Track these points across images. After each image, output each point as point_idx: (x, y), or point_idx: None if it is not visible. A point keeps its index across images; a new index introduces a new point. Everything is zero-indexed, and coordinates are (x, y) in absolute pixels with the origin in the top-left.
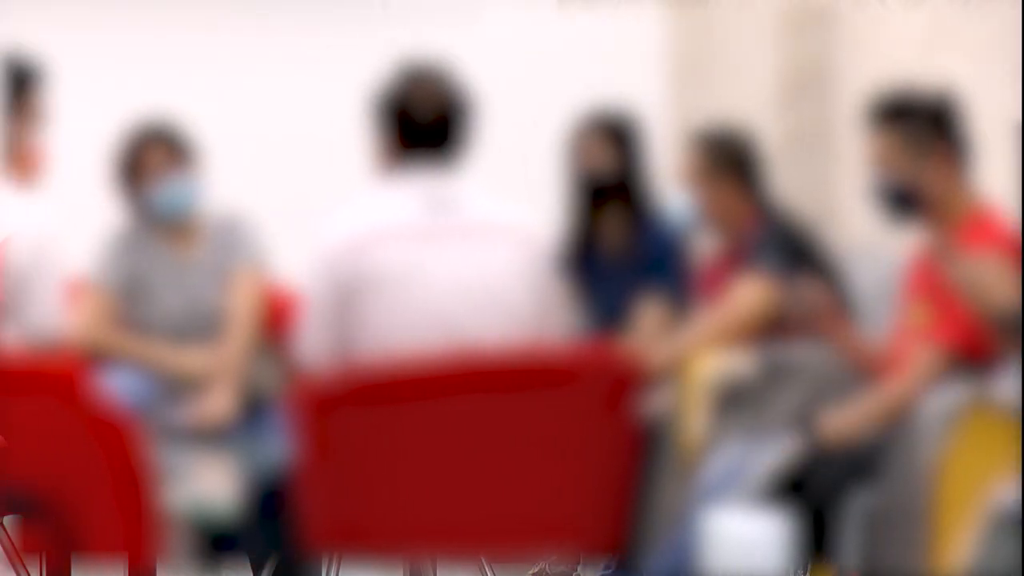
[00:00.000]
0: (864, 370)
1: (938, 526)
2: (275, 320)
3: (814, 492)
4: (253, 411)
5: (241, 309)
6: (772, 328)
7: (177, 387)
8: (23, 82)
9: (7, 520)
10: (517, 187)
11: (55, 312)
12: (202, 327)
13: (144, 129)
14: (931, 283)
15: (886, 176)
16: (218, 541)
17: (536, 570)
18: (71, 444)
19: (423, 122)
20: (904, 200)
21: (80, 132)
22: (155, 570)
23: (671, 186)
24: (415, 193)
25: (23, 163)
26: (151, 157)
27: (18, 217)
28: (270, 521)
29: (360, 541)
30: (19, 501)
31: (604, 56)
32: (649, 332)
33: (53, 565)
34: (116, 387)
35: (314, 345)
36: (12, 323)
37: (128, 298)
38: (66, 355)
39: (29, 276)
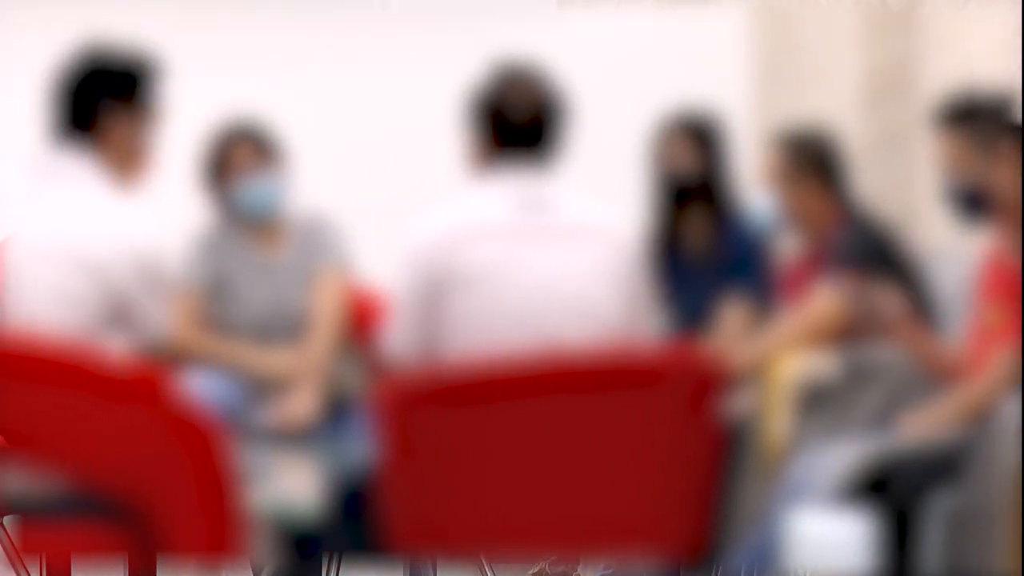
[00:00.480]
0: (943, 372)
1: (1020, 528)
2: (360, 320)
3: (896, 494)
4: (336, 412)
5: (325, 309)
6: (854, 330)
7: (261, 388)
8: (138, 80)
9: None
10: (601, 188)
11: (164, 320)
12: (286, 327)
13: (232, 128)
14: (1004, 284)
15: (955, 178)
16: (301, 542)
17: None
18: (156, 447)
19: (517, 122)
20: (974, 202)
21: (171, 131)
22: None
23: (754, 187)
24: (507, 193)
25: (130, 162)
26: (238, 156)
27: (124, 224)
28: (353, 522)
29: (442, 542)
30: (103, 504)
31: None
32: (732, 333)
33: (137, 568)
34: (201, 389)
35: (402, 342)
36: (122, 332)
37: (213, 298)
38: (151, 358)
39: (137, 284)
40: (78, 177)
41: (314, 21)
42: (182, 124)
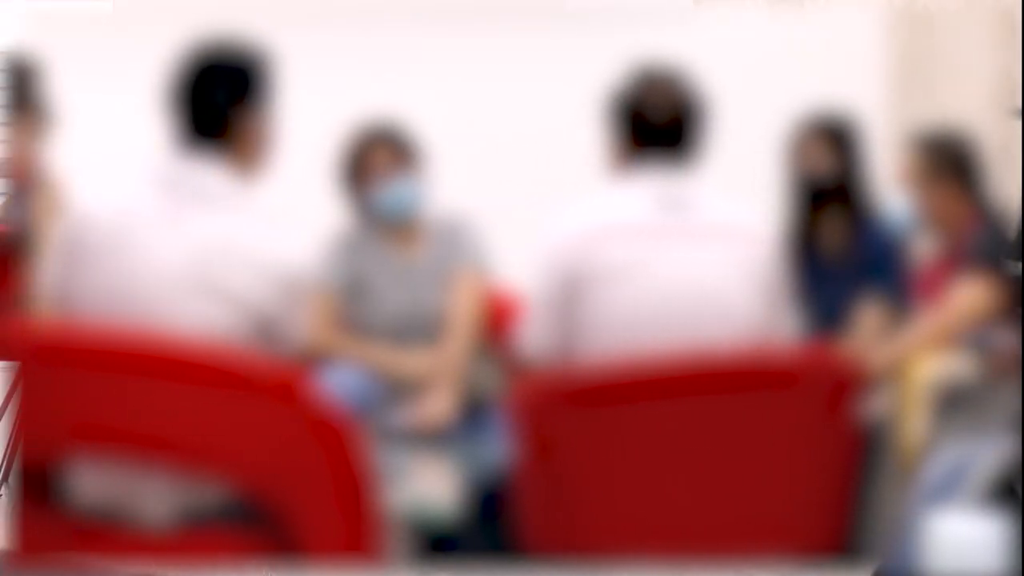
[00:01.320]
0: None
1: None
2: (496, 321)
3: None
4: (473, 413)
5: (462, 311)
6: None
7: (398, 389)
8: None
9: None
10: (737, 188)
11: (304, 331)
12: (423, 329)
13: (369, 130)
14: None
15: None
16: (438, 543)
17: None
18: (294, 447)
19: (657, 123)
20: None
21: (308, 131)
22: None
23: (891, 188)
24: (647, 192)
25: (256, 161)
26: (376, 159)
27: (264, 246)
28: (490, 523)
29: (578, 544)
30: (240, 506)
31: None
32: (869, 334)
33: (274, 568)
34: (339, 388)
35: (538, 342)
36: (275, 344)
37: (350, 299)
38: (287, 358)
39: (279, 306)
40: (210, 193)
41: (453, 21)
42: (318, 124)
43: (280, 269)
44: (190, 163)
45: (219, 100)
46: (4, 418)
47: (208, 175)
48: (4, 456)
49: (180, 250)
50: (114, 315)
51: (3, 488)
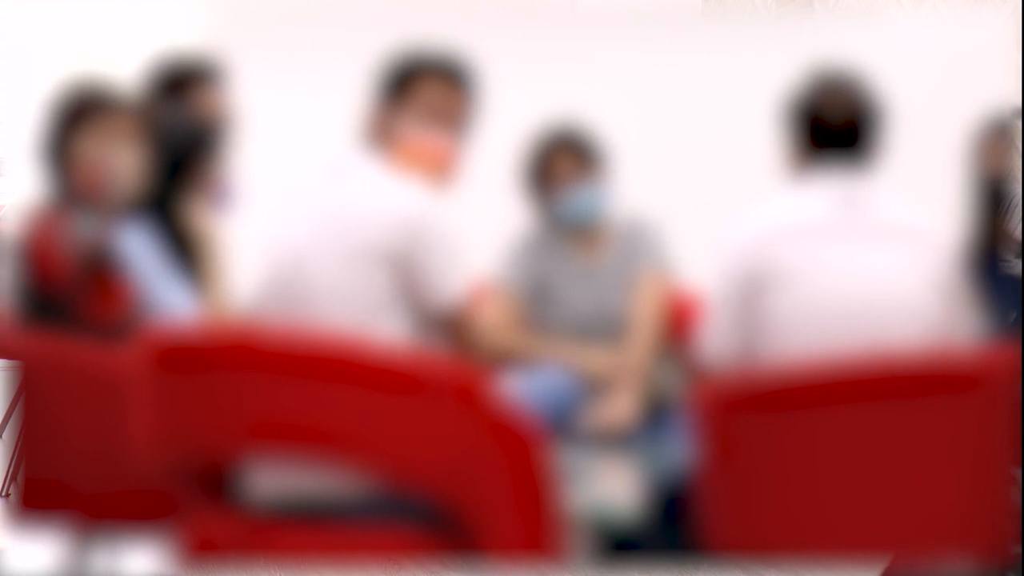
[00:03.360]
0: None
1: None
2: (678, 323)
3: None
4: (655, 415)
5: (645, 314)
6: None
7: (583, 389)
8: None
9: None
10: (918, 190)
11: (455, 288)
12: (606, 331)
13: (554, 136)
14: None
15: None
16: (620, 545)
17: None
18: (473, 449)
19: (834, 125)
20: None
21: (494, 136)
22: None
23: None
24: (824, 193)
25: (430, 161)
26: (560, 165)
27: (397, 197)
28: (671, 525)
29: (760, 546)
30: (421, 507)
31: (1007, 59)
32: None
33: (456, 568)
34: (542, 389)
35: (719, 344)
36: (410, 309)
37: (534, 301)
38: (467, 359)
39: (418, 254)
40: (362, 171)
41: (632, 27)
42: (506, 128)
43: (410, 214)
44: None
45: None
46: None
47: (366, 162)
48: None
49: (322, 215)
50: (272, 287)
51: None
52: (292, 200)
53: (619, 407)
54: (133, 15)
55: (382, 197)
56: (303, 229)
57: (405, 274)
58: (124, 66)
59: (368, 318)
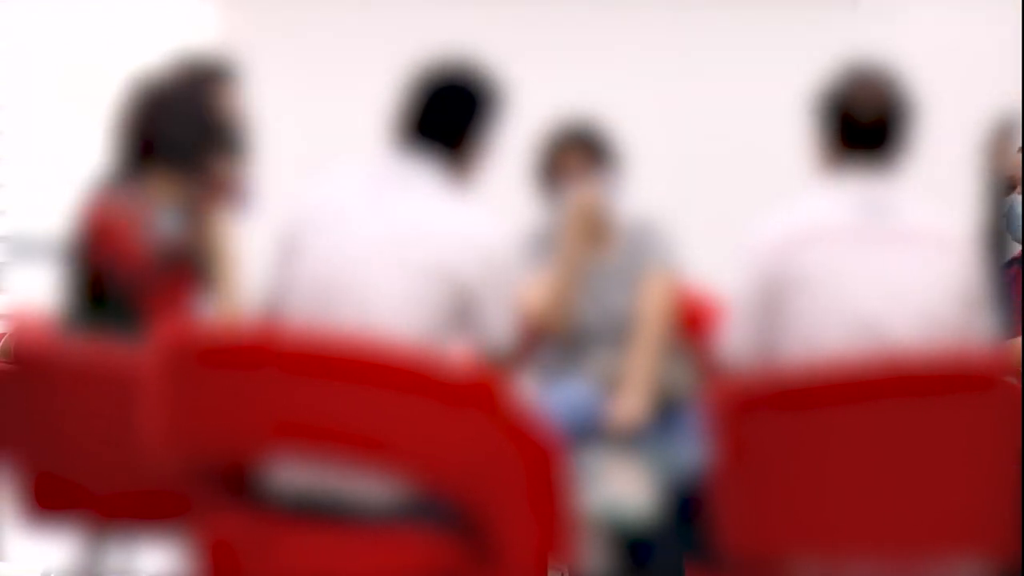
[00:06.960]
0: None
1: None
2: (692, 323)
3: None
4: (667, 415)
5: (653, 313)
6: None
7: (604, 400)
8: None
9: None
10: (937, 190)
11: (509, 327)
12: (614, 331)
13: (564, 131)
14: None
15: None
16: (633, 546)
17: None
18: (490, 454)
19: (864, 122)
20: None
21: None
22: None
23: None
24: (849, 196)
25: (469, 163)
26: (569, 160)
27: (471, 225)
28: (685, 526)
29: (776, 547)
30: (437, 511)
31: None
32: None
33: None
34: (544, 396)
35: (739, 345)
36: (466, 334)
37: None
38: (490, 364)
39: (483, 286)
40: (419, 180)
41: (652, 19)
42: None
43: (481, 242)
44: (408, 159)
45: (458, 116)
46: None
47: (422, 170)
48: None
49: (382, 228)
50: (318, 295)
51: None
52: (334, 205)
53: (627, 407)
54: (146, 16)
55: (455, 219)
56: (358, 236)
57: (462, 300)
58: (137, 66)
59: (425, 334)
